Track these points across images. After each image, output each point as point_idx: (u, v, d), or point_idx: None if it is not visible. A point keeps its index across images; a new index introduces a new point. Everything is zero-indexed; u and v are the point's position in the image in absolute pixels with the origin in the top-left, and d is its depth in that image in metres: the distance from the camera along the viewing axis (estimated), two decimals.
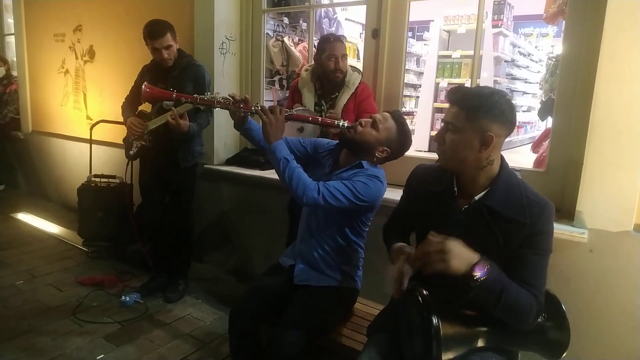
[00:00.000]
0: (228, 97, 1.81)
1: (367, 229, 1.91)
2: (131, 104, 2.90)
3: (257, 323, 1.78)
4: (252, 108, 1.78)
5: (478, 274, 1.16)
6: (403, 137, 1.82)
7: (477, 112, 1.24)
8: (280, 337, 1.64)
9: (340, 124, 1.80)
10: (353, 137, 1.78)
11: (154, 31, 2.59)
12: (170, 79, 2.70)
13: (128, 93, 2.93)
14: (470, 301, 1.19)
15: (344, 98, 2.48)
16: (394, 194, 2.50)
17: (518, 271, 1.26)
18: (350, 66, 2.58)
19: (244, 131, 1.92)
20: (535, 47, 7.86)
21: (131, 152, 2.79)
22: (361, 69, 2.84)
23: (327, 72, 2.46)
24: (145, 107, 2.89)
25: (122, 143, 2.86)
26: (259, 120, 1.76)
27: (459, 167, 1.34)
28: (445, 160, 1.35)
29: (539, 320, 1.31)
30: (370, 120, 1.79)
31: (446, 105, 5.62)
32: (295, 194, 1.66)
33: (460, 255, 1.17)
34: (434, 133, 5.62)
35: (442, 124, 1.33)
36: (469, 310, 1.31)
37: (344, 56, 2.46)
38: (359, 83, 2.52)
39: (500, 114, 1.25)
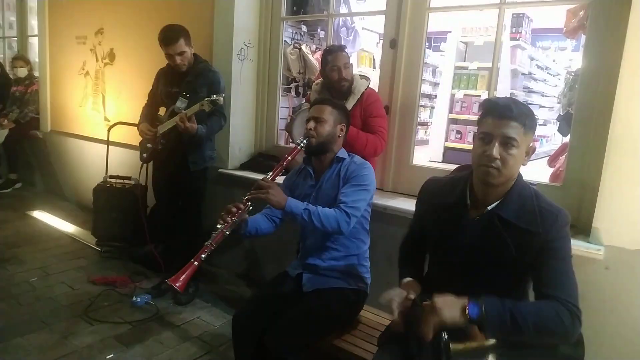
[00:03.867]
0: (224, 218, 1.79)
1: (369, 219, 2.00)
2: (150, 108, 2.94)
3: (261, 328, 1.78)
4: (247, 201, 1.78)
5: (473, 310, 1.16)
6: (340, 107, 1.99)
7: (531, 127, 1.27)
8: (279, 338, 1.67)
9: (300, 145, 1.89)
10: (318, 142, 1.91)
11: (167, 37, 2.62)
12: (184, 84, 2.73)
13: (147, 98, 2.96)
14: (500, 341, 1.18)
15: (349, 105, 2.50)
16: (407, 204, 2.50)
17: (542, 280, 1.25)
18: (359, 74, 2.62)
19: (256, 236, 1.97)
20: (553, 61, 7.80)
21: (144, 155, 2.84)
22: (377, 79, 2.84)
23: (333, 83, 2.51)
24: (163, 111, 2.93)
25: (139, 146, 2.90)
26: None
27: (506, 181, 1.30)
28: (499, 177, 1.27)
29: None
30: (311, 122, 1.91)
31: (463, 116, 5.51)
32: (332, 231, 1.77)
33: (449, 305, 1.18)
34: (448, 144, 5.59)
35: (486, 140, 1.27)
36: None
37: (346, 65, 2.49)
38: (365, 89, 2.54)
39: (536, 126, 1.30)
